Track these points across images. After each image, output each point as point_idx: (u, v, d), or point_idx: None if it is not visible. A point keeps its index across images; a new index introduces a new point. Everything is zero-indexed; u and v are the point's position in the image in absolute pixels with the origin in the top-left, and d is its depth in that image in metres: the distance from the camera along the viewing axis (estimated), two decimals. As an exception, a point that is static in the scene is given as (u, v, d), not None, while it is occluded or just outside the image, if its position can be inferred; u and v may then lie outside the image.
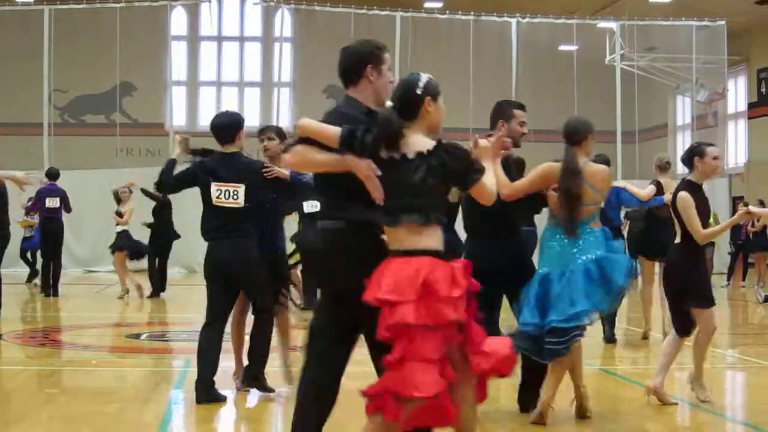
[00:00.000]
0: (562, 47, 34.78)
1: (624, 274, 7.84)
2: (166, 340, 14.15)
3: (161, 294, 20.12)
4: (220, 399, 8.83)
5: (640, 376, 10.09)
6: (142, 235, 20.40)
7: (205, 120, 37.27)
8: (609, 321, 12.78)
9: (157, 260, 20.12)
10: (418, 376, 5.33)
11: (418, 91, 5.67)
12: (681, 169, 9.16)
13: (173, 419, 8.45)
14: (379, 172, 5.53)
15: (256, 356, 9.11)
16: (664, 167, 13.26)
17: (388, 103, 5.79)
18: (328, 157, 5.66)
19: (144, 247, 20.23)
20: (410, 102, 5.66)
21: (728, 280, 26.06)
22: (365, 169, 5.53)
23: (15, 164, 22.08)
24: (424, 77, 5.73)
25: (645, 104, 33.26)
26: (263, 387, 9.12)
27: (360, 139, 5.58)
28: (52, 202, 19.96)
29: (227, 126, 8.99)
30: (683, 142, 35.59)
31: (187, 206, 26.67)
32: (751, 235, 24.50)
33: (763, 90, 34.36)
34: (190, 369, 11.09)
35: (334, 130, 5.65)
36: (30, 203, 21.33)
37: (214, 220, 8.86)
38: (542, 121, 31.58)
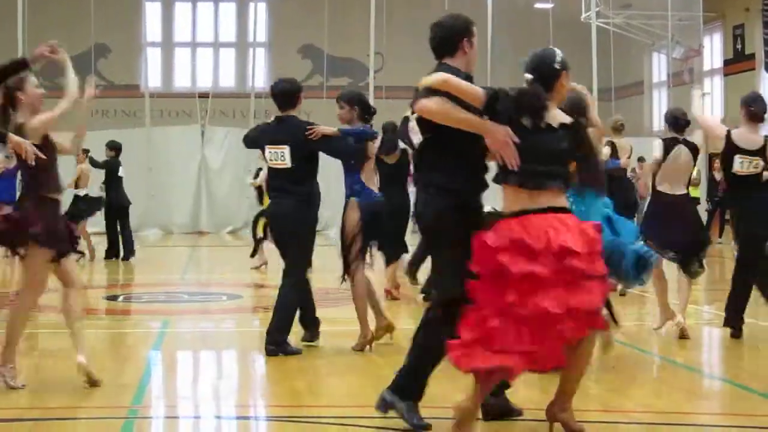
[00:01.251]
0: (538, 5, 34.69)
1: None
2: (143, 302, 14.11)
3: (131, 258, 19.75)
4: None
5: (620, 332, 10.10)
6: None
7: (180, 81, 37.11)
8: None
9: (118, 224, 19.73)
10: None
11: (556, 66, 5.90)
12: (657, 127, 9.55)
13: (151, 380, 8.44)
14: (517, 140, 5.63)
15: (274, 319, 9.12)
16: (619, 129, 13.83)
17: (528, 76, 5.92)
18: (469, 116, 5.78)
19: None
20: (549, 75, 5.88)
21: (705, 236, 26.13)
22: (503, 135, 5.66)
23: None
24: (558, 52, 5.97)
25: (621, 61, 33.19)
26: (284, 351, 9.03)
27: (503, 104, 5.70)
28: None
29: (290, 91, 9.40)
30: (659, 99, 35.60)
31: (163, 170, 26.71)
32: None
33: (739, 46, 34.32)
34: (167, 330, 11.12)
35: (479, 90, 5.79)
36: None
37: (272, 180, 9.53)
38: (519, 80, 31.57)
